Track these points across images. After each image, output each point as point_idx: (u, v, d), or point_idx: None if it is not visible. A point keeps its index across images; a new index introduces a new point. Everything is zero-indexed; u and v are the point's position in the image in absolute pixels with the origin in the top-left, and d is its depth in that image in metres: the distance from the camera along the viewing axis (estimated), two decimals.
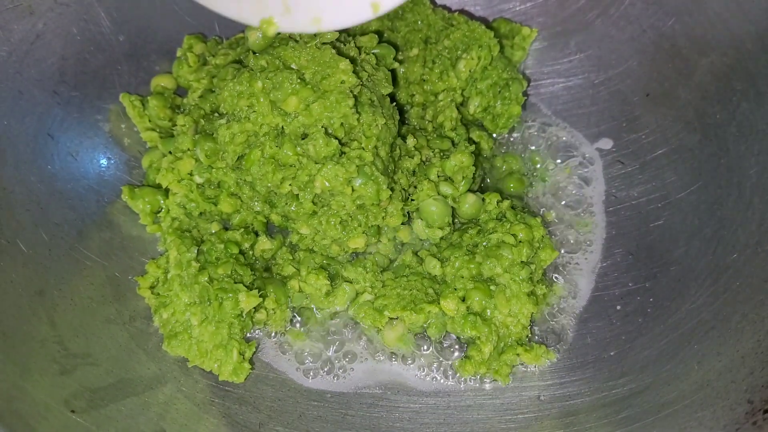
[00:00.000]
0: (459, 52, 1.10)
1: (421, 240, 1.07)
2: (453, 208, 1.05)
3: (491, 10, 1.23)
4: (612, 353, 0.98)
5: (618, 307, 1.02)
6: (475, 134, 1.11)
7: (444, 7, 1.21)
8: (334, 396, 0.99)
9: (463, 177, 1.03)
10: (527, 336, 0.99)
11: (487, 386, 0.99)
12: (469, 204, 1.03)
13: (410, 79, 1.12)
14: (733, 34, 1.00)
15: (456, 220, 1.08)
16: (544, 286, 1.02)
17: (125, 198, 1.04)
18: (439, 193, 1.03)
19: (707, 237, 0.99)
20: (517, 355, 0.97)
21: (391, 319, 1.00)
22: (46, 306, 0.93)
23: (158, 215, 1.05)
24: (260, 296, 0.97)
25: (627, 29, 1.13)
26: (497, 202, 1.04)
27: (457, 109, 1.10)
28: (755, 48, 0.97)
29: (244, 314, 0.97)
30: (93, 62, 1.09)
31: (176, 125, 1.05)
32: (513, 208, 1.05)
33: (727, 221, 0.97)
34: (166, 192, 1.04)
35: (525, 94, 1.15)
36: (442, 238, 1.05)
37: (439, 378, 1.00)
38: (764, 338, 0.83)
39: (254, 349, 0.99)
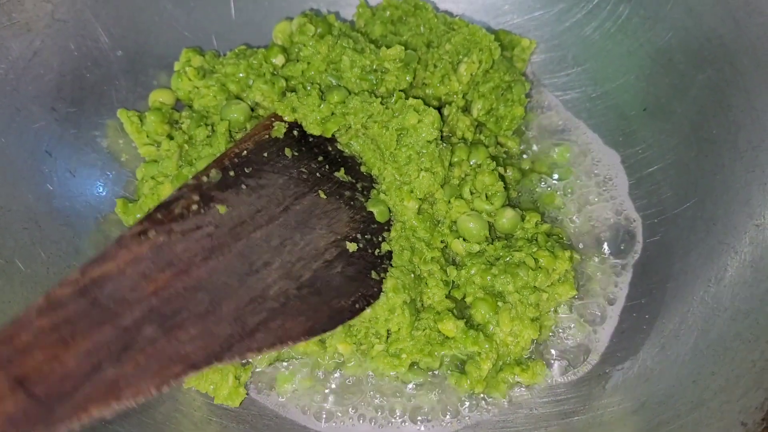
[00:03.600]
0: (460, 56, 1.10)
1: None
2: (490, 224, 1.03)
3: (489, 23, 1.23)
4: (607, 370, 0.98)
5: (614, 325, 1.03)
6: (490, 139, 1.12)
7: (446, 12, 1.21)
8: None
9: (496, 192, 1.03)
10: (525, 357, 0.99)
11: (485, 405, 0.99)
12: (507, 219, 1.02)
13: (412, 83, 1.12)
14: (729, 50, 1.00)
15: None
16: (553, 318, 1.02)
17: (118, 211, 1.04)
18: (473, 209, 1.02)
19: (703, 253, 0.99)
20: (515, 374, 0.98)
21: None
22: None
23: None
24: None
25: (624, 43, 1.13)
26: (536, 223, 1.04)
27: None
28: (751, 63, 0.97)
29: None
30: (90, 78, 1.09)
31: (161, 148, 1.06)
32: (549, 235, 1.04)
33: (723, 237, 0.97)
34: None
35: (528, 95, 1.15)
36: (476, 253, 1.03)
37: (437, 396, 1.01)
38: (758, 358, 0.83)
39: (249, 375, 0.99)
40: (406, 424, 0.99)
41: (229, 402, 0.96)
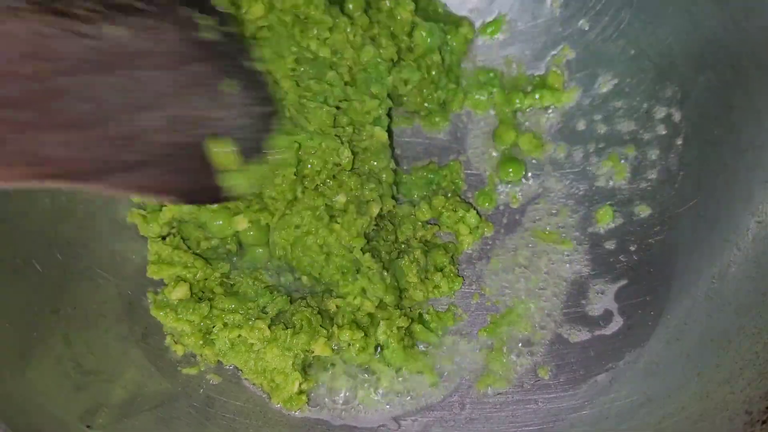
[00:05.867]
0: None
1: None
2: None
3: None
4: (614, 366, 0.99)
5: (620, 321, 1.04)
6: None
7: None
8: (343, 416, 1.01)
9: None
10: None
11: (493, 399, 1.00)
12: None
13: None
14: (730, 52, 1.01)
15: None
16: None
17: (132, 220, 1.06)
18: None
19: (707, 250, 1.00)
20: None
21: None
22: (60, 324, 0.95)
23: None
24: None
25: (626, 48, 1.15)
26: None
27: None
28: (751, 65, 0.98)
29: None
30: None
31: None
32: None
33: (726, 234, 0.99)
34: None
35: None
36: None
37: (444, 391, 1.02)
38: (762, 350, 0.85)
39: (312, 385, 1.01)
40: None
41: (288, 406, 0.98)
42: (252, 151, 0.92)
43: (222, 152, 0.88)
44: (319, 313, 0.98)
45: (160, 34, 0.84)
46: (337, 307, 1.00)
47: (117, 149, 0.78)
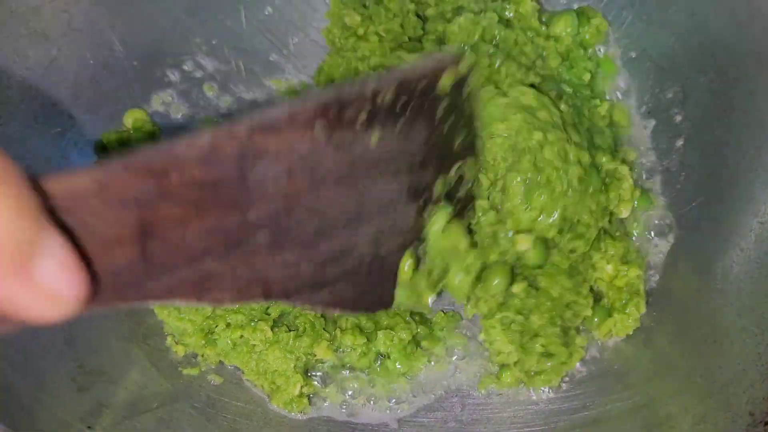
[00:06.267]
0: None
1: None
2: None
3: None
4: (616, 367, 0.99)
5: None
6: None
7: None
8: (344, 417, 1.01)
9: None
10: None
11: (494, 400, 1.00)
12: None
13: None
14: (732, 52, 1.01)
15: None
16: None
17: None
18: None
19: (709, 251, 1.00)
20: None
21: None
22: (62, 325, 0.94)
23: None
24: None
25: (628, 48, 1.15)
26: None
27: None
28: (754, 65, 0.99)
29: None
30: (105, 85, 1.11)
31: None
32: None
33: (729, 235, 0.99)
34: None
35: None
36: None
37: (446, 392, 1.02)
38: (764, 351, 0.85)
39: (314, 389, 1.01)
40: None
41: (288, 408, 0.98)
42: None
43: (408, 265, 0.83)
44: (322, 316, 0.98)
45: (408, 136, 0.76)
46: None
47: (322, 267, 0.72)
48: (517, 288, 0.96)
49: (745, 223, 0.97)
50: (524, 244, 0.95)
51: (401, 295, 0.84)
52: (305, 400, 0.99)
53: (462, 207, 0.88)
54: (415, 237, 0.83)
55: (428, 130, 0.78)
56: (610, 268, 1.00)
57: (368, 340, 0.99)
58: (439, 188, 0.82)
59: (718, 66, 1.03)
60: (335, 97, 0.66)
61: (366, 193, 0.73)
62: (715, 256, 0.99)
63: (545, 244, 0.96)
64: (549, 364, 0.96)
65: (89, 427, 0.87)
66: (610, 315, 1.00)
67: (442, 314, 1.05)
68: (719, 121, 1.03)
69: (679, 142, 1.09)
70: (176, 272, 0.58)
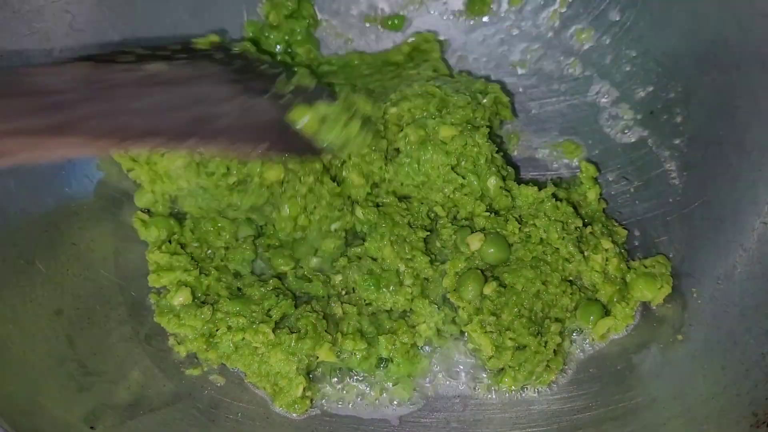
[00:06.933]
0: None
1: None
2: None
3: None
4: (619, 367, 0.99)
5: None
6: None
7: None
8: (347, 417, 1.01)
9: None
10: None
11: (496, 400, 1.00)
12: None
13: None
14: (735, 52, 1.01)
15: None
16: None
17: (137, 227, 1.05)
18: None
19: (712, 251, 1.00)
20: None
21: None
22: (64, 325, 0.95)
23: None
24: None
25: (631, 48, 1.15)
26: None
27: None
28: (756, 65, 0.99)
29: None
30: None
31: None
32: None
33: (732, 235, 0.98)
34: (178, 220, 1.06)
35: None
36: None
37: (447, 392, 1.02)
38: (767, 351, 0.85)
39: (317, 393, 1.01)
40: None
41: (291, 409, 0.98)
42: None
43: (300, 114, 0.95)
44: (324, 317, 0.98)
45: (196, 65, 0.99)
46: (344, 312, 1.00)
47: (191, 125, 0.89)
48: (488, 289, 0.98)
49: (748, 223, 0.97)
50: (475, 243, 1.00)
51: (328, 134, 0.97)
52: (308, 402, 0.99)
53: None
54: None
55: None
56: (599, 258, 1.01)
57: (369, 344, 0.99)
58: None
59: (721, 66, 1.03)
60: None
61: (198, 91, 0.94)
62: (717, 255, 0.99)
63: (498, 237, 1.00)
64: (525, 356, 0.97)
65: (91, 428, 0.88)
66: (607, 312, 1.00)
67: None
68: (722, 120, 1.03)
69: (683, 142, 1.08)
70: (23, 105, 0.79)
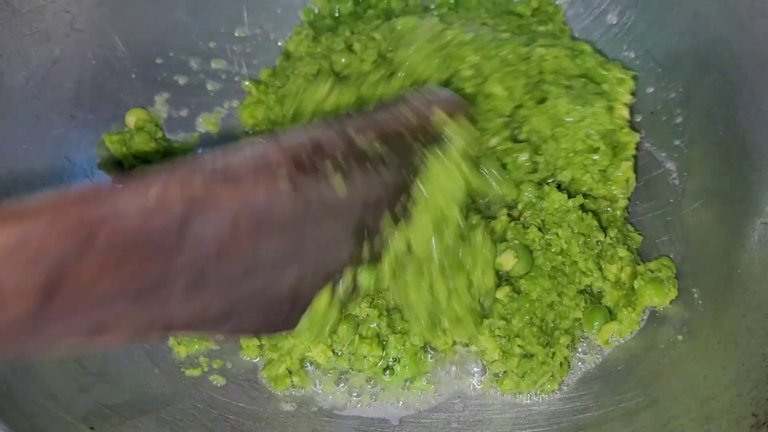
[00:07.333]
0: None
1: None
2: None
3: None
4: (619, 368, 0.99)
5: None
6: None
7: None
8: (347, 417, 1.01)
9: None
10: None
11: (496, 400, 1.00)
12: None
13: None
14: (735, 53, 1.01)
15: None
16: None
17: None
18: None
19: (713, 252, 1.00)
20: None
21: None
22: None
23: None
24: None
25: (632, 48, 1.15)
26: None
27: None
28: (757, 66, 0.99)
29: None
30: (108, 86, 1.12)
31: None
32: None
33: (732, 236, 0.98)
34: None
35: None
36: None
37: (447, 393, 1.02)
38: None
39: (305, 381, 1.01)
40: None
41: (273, 384, 1.00)
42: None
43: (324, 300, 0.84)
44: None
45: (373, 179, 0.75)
46: (367, 315, 0.99)
47: (236, 302, 0.70)
48: (501, 293, 0.97)
49: (749, 223, 0.96)
50: (509, 262, 0.98)
51: (305, 323, 0.84)
52: (288, 381, 1.00)
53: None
54: (341, 272, 0.81)
55: (393, 172, 0.76)
56: (614, 268, 1.01)
57: (383, 350, 0.99)
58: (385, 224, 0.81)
59: (721, 66, 1.03)
60: (308, 142, 0.64)
61: (308, 236, 0.71)
62: (718, 256, 0.99)
63: (525, 251, 0.98)
64: (531, 365, 0.97)
65: (91, 428, 0.87)
66: (612, 317, 1.00)
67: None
68: (723, 121, 1.03)
69: (683, 142, 1.09)
70: (75, 318, 0.55)
